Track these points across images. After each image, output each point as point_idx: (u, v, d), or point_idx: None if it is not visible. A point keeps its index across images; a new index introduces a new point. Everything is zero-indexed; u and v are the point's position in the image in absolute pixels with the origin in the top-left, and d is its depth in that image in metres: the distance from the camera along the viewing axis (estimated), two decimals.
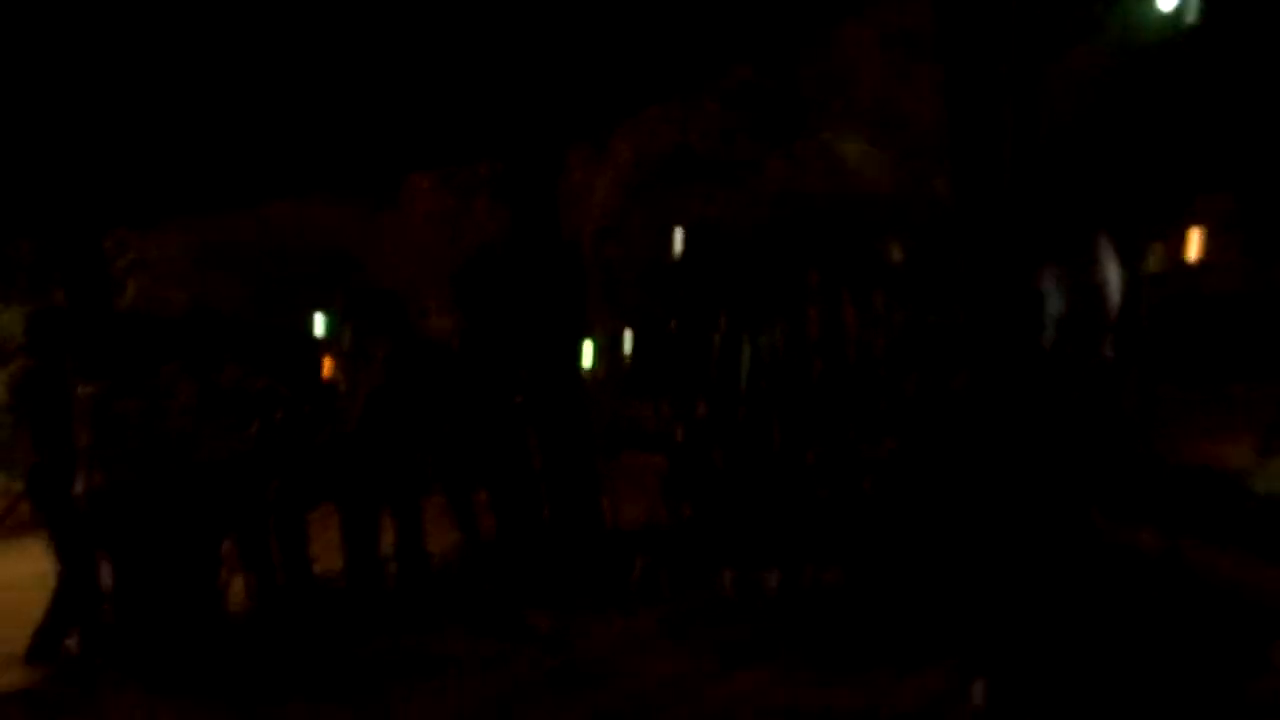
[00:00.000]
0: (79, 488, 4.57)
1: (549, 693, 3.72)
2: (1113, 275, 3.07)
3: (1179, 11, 7.87)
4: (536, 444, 5.80)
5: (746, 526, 4.78)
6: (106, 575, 4.59)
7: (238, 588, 5.45)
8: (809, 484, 4.53)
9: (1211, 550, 3.21)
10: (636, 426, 6.96)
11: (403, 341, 5.43)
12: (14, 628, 4.88)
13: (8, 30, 3.49)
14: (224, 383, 5.12)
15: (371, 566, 5.37)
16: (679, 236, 5.83)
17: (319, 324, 7.43)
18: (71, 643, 4.78)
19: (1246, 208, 12.32)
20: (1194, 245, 12.97)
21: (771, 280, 5.15)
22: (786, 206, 9.22)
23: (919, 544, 4.10)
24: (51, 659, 4.82)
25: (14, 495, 5.49)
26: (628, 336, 8.24)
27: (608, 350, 9.38)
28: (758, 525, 4.74)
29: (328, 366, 5.79)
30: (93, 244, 6.55)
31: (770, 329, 4.79)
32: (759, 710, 3.24)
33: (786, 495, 4.60)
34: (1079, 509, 3.24)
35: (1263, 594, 3.07)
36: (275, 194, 8.36)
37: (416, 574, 5.38)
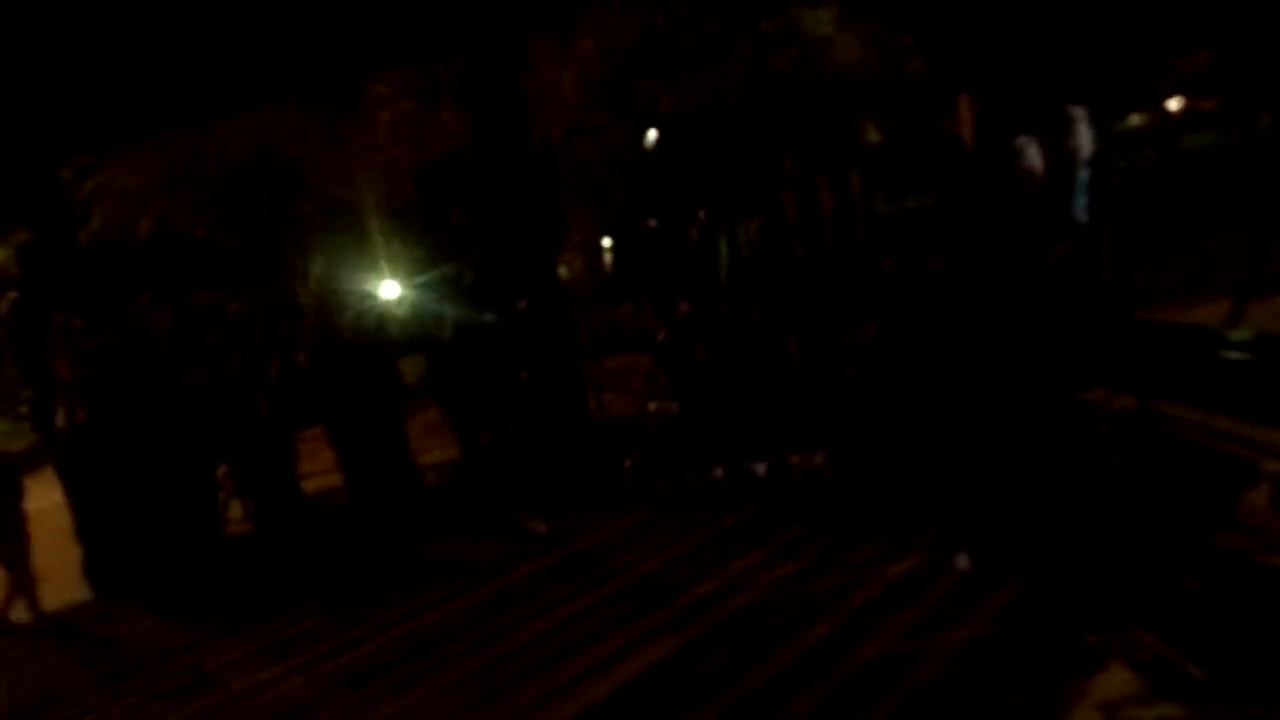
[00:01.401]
0: (60, 422, 4.58)
1: (551, 588, 3.83)
2: (1084, 140, 3.03)
3: None
4: (521, 351, 5.80)
5: (733, 419, 4.84)
6: (93, 508, 4.63)
7: (235, 511, 5.55)
8: (792, 373, 4.56)
9: (1186, 409, 3.28)
10: (619, 328, 6.96)
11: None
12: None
13: None
14: (199, 308, 5.07)
15: (364, 481, 5.44)
16: (651, 134, 5.68)
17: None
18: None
19: (1224, 62, 12.13)
20: (1172, 102, 12.82)
21: (746, 169, 5.07)
22: (757, 90, 8.99)
23: (901, 425, 4.17)
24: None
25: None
26: (606, 238, 8.15)
27: (586, 252, 9.29)
28: (744, 417, 4.80)
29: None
30: (49, 173, 6.37)
31: (747, 219, 4.74)
32: (753, 593, 3.34)
33: (771, 385, 4.63)
34: (1055, 376, 3.29)
35: (1235, 450, 3.16)
36: (233, 106, 8.08)
37: (409, 486, 5.46)
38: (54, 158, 6.56)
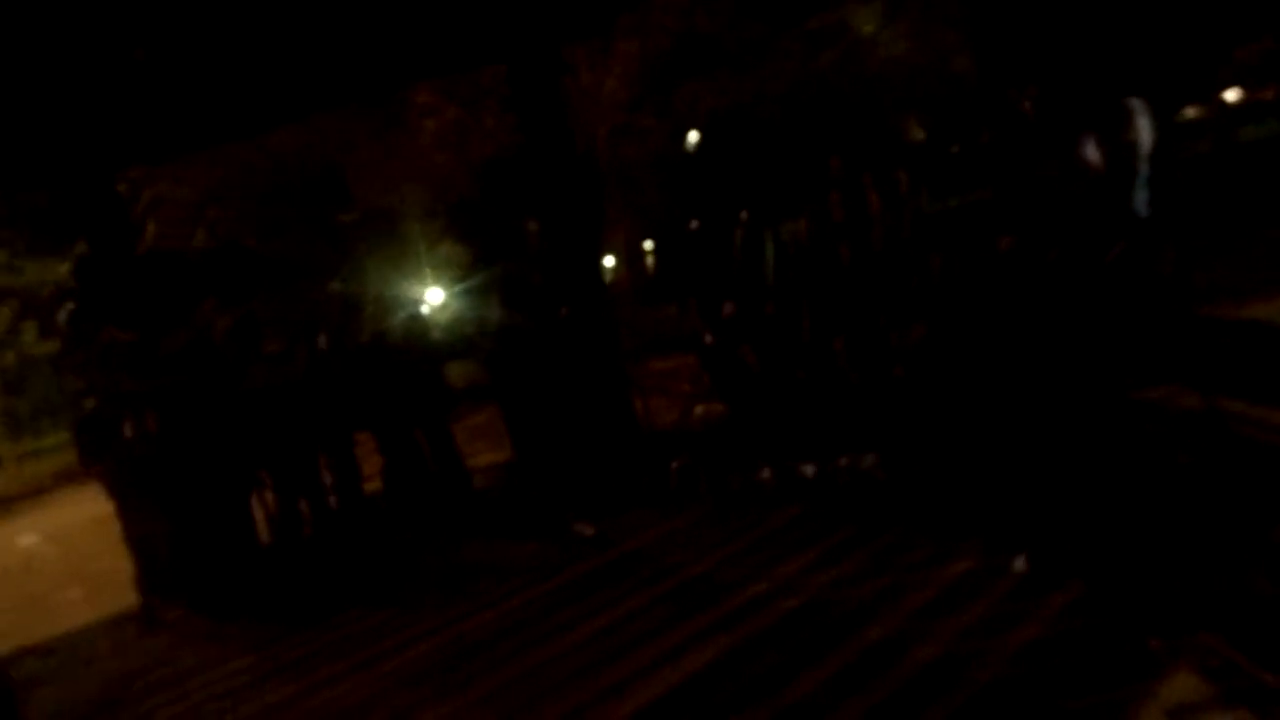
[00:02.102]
0: (129, 432, 4.68)
1: (599, 591, 3.83)
2: (1144, 134, 2.95)
3: None
4: (568, 354, 5.82)
5: (780, 420, 4.81)
6: (162, 516, 4.73)
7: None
8: (840, 373, 4.51)
9: (1252, 406, 3.17)
10: (663, 330, 6.95)
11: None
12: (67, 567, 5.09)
13: None
14: (261, 313, 5.18)
15: (413, 486, 5.50)
16: (692, 135, 5.67)
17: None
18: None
19: None
20: (1231, 94, 12.46)
21: (791, 168, 5.03)
22: (802, 89, 8.92)
23: (952, 425, 4.10)
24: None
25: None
26: (649, 240, 8.14)
27: (630, 255, 9.28)
28: (791, 418, 4.76)
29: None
30: (107, 187, 6.53)
31: (793, 219, 4.70)
32: (804, 595, 3.31)
33: (819, 386, 4.59)
34: (1115, 374, 3.21)
35: None
36: (282, 117, 8.23)
37: (458, 489, 5.51)
38: (111, 170, 6.74)
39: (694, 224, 5.38)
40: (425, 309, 5.73)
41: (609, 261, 6.04)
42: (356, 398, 5.39)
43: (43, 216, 14.18)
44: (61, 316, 5.22)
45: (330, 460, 5.42)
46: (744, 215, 4.94)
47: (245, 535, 4.90)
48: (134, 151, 7.35)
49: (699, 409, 6.03)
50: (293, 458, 5.27)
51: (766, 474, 4.69)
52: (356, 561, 5.04)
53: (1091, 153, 3.10)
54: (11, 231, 14.58)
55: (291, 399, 5.05)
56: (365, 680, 3.50)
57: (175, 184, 12.56)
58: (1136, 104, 2.98)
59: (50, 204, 13.71)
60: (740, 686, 2.78)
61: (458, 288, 6.01)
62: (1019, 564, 3.12)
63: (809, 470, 4.53)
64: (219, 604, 4.67)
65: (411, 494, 5.54)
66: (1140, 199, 2.92)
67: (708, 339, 5.10)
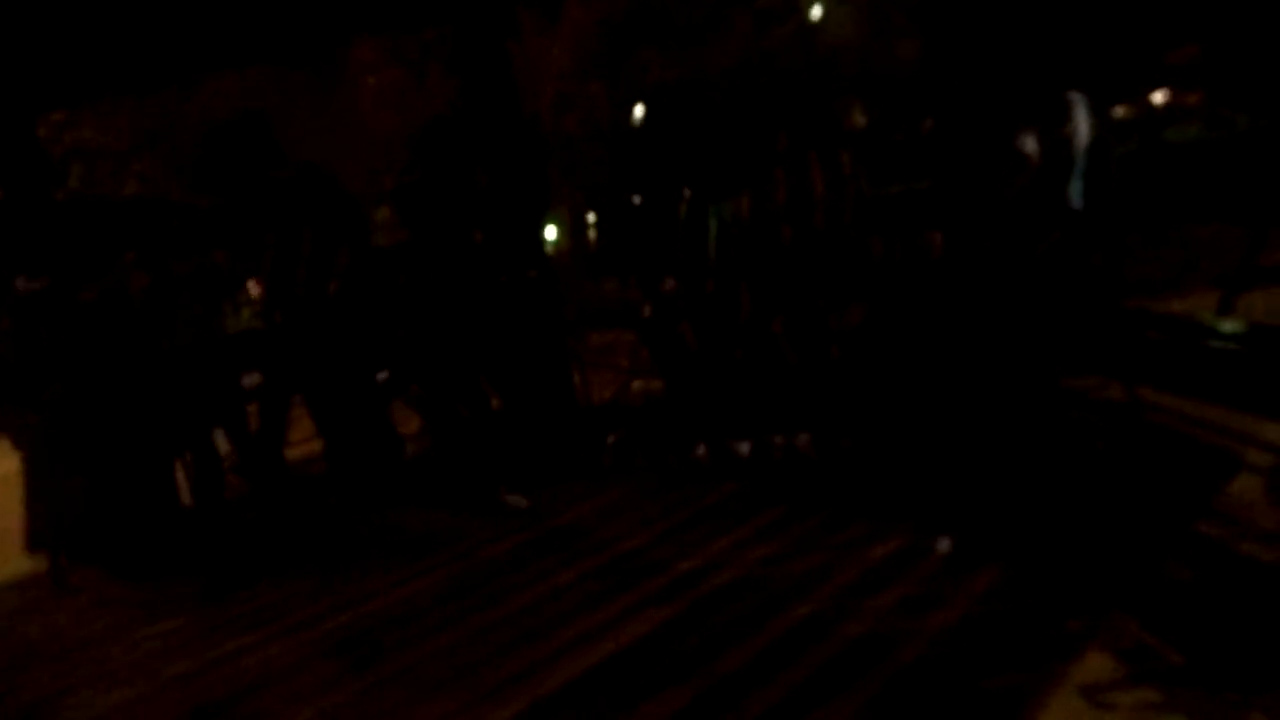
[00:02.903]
0: (44, 387, 4.46)
1: (532, 562, 3.81)
2: (1082, 127, 3.02)
3: None
4: (505, 325, 5.73)
5: (717, 398, 4.83)
6: (78, 475, 4.54)
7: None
8: (778, 353, 4.54)
9: (1173, 398, 3.30)
10: (603, 303, 6.92)
11: (362, 251, 5.29)
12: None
13: None
14: (182, 269, 4.97)
15: (344, 450, 5.38)
16: (638, 109, 5.62)
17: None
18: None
19: (1211, 59, 12.22)
20: (1159, 95, 12.88)
21: (736, 145, 5.03)
22: (750, 66, 8.91)
23: (885, 408, 4.18)
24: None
25: None
26: (591, 213, 8.07)
27: (572, 227, 9.20)
28: (728, 396, 4.79)
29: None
30: (26, 128, 6.19)
31: (736, 197, 4.70)
32: (735, 571, 3.34)
33: (756, 365, 4.62)
34: (1042, 362, 3.30)
35: (1219, 440, 3.18)
36: (214, 65, 7.90)
37: (389, 456, 5.40)
38: (29, 111, 6.39)
39: (636, 199, 5.35)
40: (362, 270, 5.54)
41: (550, 233, 5.95)
42: (288, 360, 5.23)
43: None
44: None
45: (257, 423, 5.26)
46: (687, 192, 4.92)
47: (167, 497, 4.73)
48: (53, 93, 6.98)
49: (636, 384, 6.03)
50: (218, 419, 5.11)
51: (702, 451, 4.72)
52: (280, 527, 4.92)
53: (1029, 144, 3.16)
54: None
55: (218, 359, 4.88)
56: (288, 646, 3.42)
57: (101, 132, 12.01)
58: (1076, 97, 3.04)
59: None
60: (672, 659, 2.80)
61: (393, 251, 5.85)
62: (944, 545, 3.20)
63: (744, 448, 4.57)
64: (138, 567, 4.52)
65: (343, 458, 5.41)
66: (1075, 191, 3.00)
67: (647, 313, 5.08)
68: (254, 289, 5.31)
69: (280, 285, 5.10)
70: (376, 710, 2.84)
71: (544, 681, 2.81)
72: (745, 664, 2.70)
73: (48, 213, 5.85)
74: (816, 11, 9.44)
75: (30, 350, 4.58)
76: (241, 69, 9.74)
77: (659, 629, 3.02)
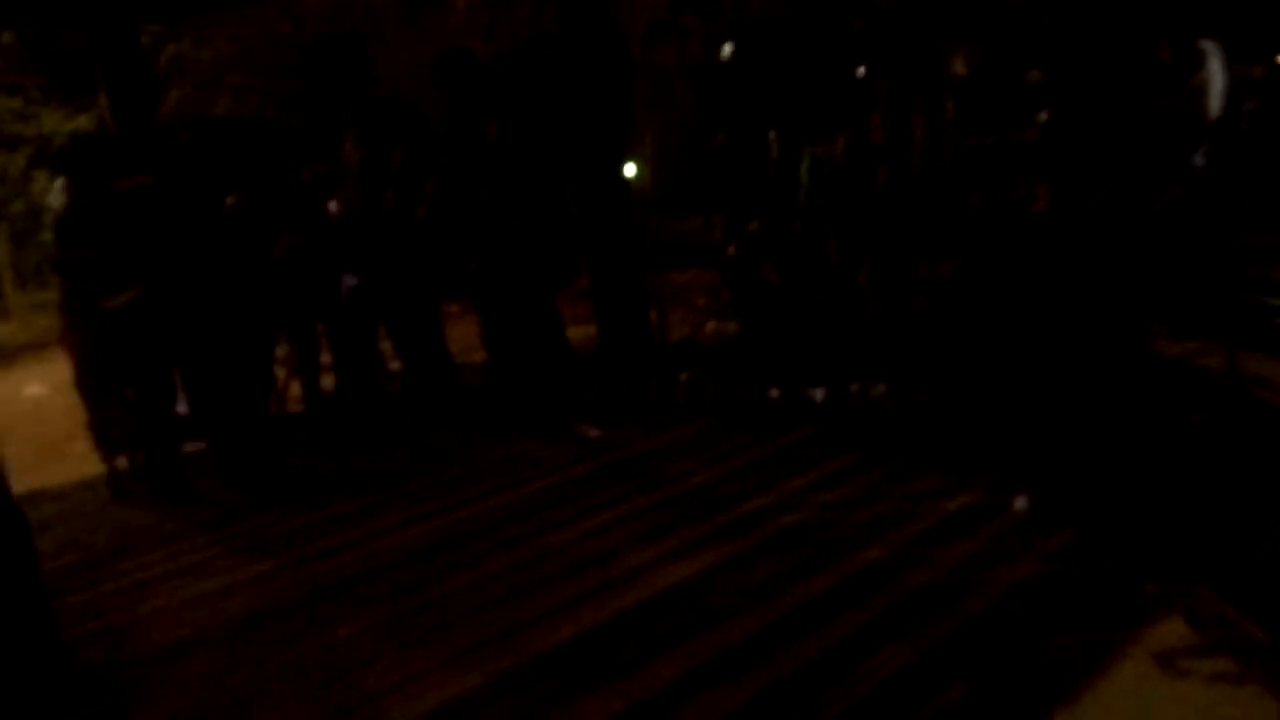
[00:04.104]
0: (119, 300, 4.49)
1: (601, 489, 3.88)
2: (1216, 80, 2.84)
3: None
4: (584, 257, 5.74)
5: (795, 341, 4.79)
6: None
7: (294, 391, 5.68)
8: (862, 300, 4.47)
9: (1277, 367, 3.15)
10: (685, 241, 6.87)
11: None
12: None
13: None
14: (288, 187, 5.14)
15: (422, 376, 5.50)
16: (727, 46, 5.47)
17: None
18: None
19: None
20: None
21: (831, 87, 4.88)
22: (850, 7, 8.56)
23: (970, 362, 4.09)
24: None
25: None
26: (678, 148, 7.95)
27: (656, 162, 9.09)
28: (806, 341, 4.74)
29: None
30: (131, 37, 6.34)
31: (831, 139, 4.59)
32: (805, 513, 3.35)
33: (838, 310, 4.56)
34: (1140, 323, 3.17)
35: None
36: None
37: (449, 382, 5.48)
38: (134, 20, 6.53)
39: (720, 137, 5.24)
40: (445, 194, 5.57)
41: (633, 169, 5.88)
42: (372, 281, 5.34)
43: (59, 63, 13.86)
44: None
45: (334, 341, 5.42)
46: (774, 134, 4.82)
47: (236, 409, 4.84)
48: (160, 2, 7.15)
49: (712, 324, 6.01)
50: (293, 334, 5.29)
51: (775, 394, 4.69)
52: (354, 443, 5.08)
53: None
54: (25, 77, 14.26)
55: (298, 275, 5.03)
56: (361, 555, 3.55)
57: (197, 46, 12.25)
58: (1210, 47, 2.86)
59: (66, 51, 13.38)
60: (735, 593, 2.83)
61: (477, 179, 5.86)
62: (1020, 503, 3.15)
63: (818, 394, 4.53)
64: (231, 471, 4.65)
65: (418, 383, 5.54)
66: (1200, 148, 2.84)
67: (731, 253, 5.03)
68: (333, 207, 5.39)
69: (368, 200, 5.19)
70: (429, 624, 2.91)
71: (609, 604, 2.87)
72: (808, 602, 2.73)
73: (152, 128, 6.03)
74: None
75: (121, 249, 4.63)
76: None
77: (726, 562, 3.06)
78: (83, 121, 13.11)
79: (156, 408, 4.56)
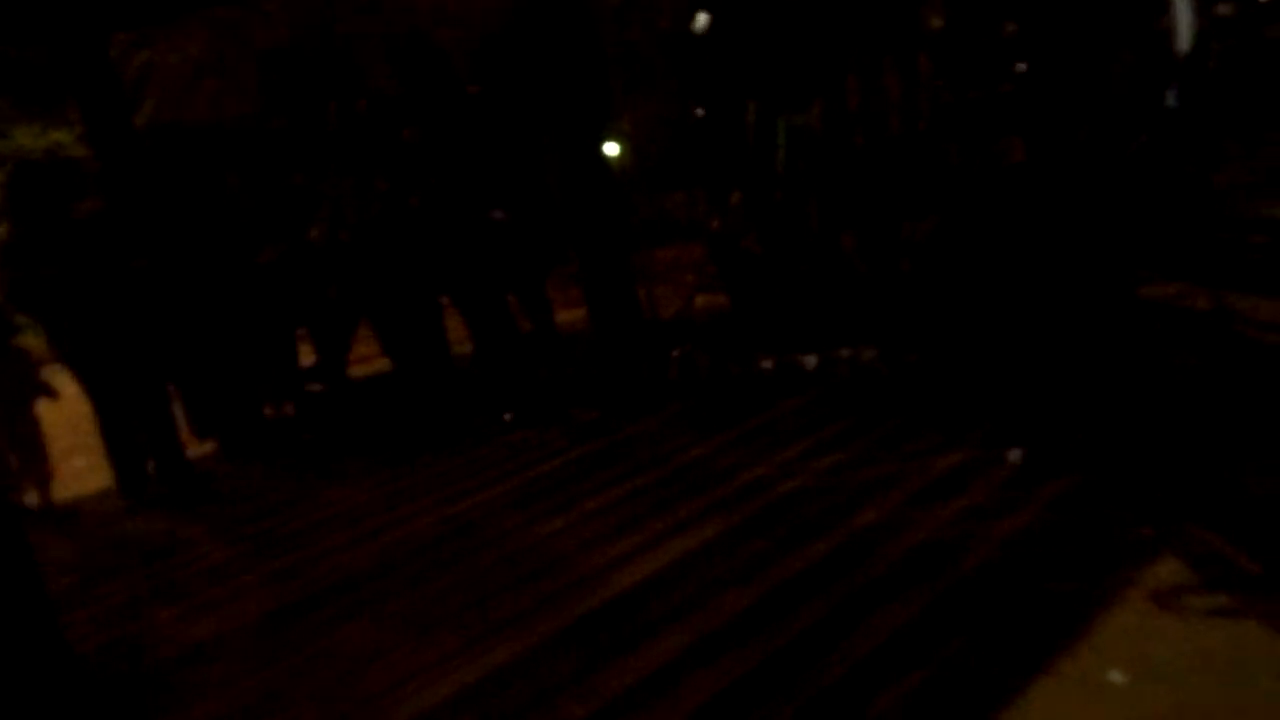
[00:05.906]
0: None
1: (598, 471, 3.90)
2: (1182, 22, 2.84)
3: None
4: (570, 241, 5.72)
5: (783, 311, 4.80)
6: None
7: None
8: (847, 265, 4.48)
9: (1265, 304, 3.17)
10: (670, 217, 6.86)
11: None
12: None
13: None
14: (285, 189, 5.15)
15: (412, 367, 5.52)
16: (701, 17, 5.43)
17: None
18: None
19: None
20: None
21: (805, 53, 4.86)
22: None
23: (957, 318, 4.11)
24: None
25: None
26: (657, 124, 7.92)
27: (636, 140, 9.05)
28: (794, 310, 4.76)
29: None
30: (98, 49, 6.26)
31: (806, 106, 4.58)
32: (801, 480, 3.38)
33: (824, 277, 4.57)
34: (1124, 268, 3.19)
35: None
36: None
37: (441, 367, 5.51)
38: (103, 30, 6.45)
39: (699, 111, 5.22)
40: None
41: (614, 148, 5.86)
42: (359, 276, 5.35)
43: (29, 77, 13.71)
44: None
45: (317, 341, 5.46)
46: (752, 104, 4.80)
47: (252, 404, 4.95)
48: (127, 10, 7.06)
49: (700, 299, 6.01)
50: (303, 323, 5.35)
51: (768, 364, 4.71)
52: (348, 434, 5.12)
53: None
54: None
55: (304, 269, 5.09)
56: (371, 551, 3.58)
57: (168, 52, 12.13)
58: None
59: (35, 64, 13.23)
60: (737, 563, 2.86)
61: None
62: (1014, 456, 3.18)
63: (810, 362, 4.55)
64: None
65: (410, 374, 5.55)
66: (1170, 90, 2.84)
67: (715, 226, 5.03)
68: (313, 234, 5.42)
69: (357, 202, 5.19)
70: (438, 615, 2.93)
71: (616, 582, 2.90)
72: (810, 566, 2.75)
73: (133, 137, 5.97)
74: None
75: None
76: None
77: (726, 534, 3.08)
78: (59, 136, 13.00)
79: (160, 416, 4.65)
